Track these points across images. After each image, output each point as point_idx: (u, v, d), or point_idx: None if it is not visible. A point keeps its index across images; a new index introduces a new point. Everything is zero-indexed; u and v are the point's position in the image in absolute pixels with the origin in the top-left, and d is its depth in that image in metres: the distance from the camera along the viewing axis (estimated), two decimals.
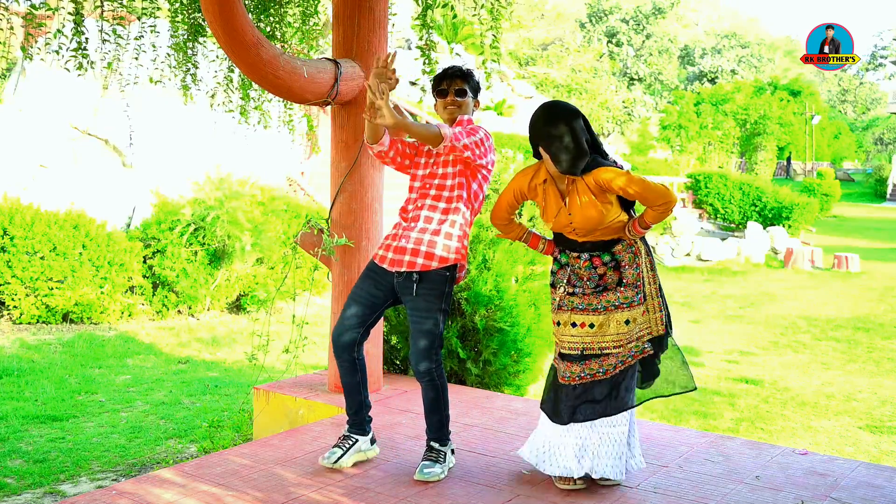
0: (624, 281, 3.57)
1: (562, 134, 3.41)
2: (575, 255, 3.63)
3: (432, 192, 3.70)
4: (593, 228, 3.54)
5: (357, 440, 3.85)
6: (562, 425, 3.58)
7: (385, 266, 3.73)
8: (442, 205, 3.69)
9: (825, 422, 6.69)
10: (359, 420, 3.87)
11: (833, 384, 7.89)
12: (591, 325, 3.56)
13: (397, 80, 3.50)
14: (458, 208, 3.68)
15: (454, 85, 3.76)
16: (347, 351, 3.77)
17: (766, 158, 35.22)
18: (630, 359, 3.57)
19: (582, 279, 3.60)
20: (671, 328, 3.65)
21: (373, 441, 3.95)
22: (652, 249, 3.74)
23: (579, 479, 3.57)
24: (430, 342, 3.67)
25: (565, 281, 3.62)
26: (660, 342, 3.61)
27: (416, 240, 3.67)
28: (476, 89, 3.82)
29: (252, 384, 5.96)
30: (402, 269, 3.67)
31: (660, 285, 3.64)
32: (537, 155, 3.59)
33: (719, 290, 14.01)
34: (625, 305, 3.55)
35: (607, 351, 3.55)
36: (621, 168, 3.55)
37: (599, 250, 3.59)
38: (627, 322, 3.55)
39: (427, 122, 3.64)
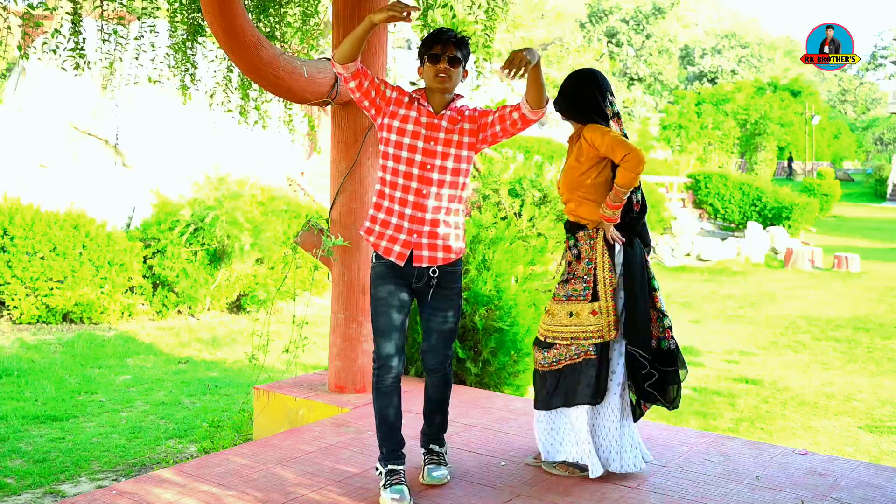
0: (575, 273, 3.63)
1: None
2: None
3: (435, 174, 3.31)
4: (567, 189, 3.63)
5: (403, 470, 3.48)
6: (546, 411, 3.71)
7: (393, 259, 3.33)
8: (447, 191, 3.33)
9: (825, 422, 6.69)
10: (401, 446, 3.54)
11: (833, 384, 7.88)
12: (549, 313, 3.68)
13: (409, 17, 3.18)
14: (463, 195, 3.40)
15: (448, 51, 3.30)
16: (400, 374, 3.41)
17: (766, 158, 35.22)
18: (575, 356, 3.58)
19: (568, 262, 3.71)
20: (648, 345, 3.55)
21: None
22: (653, 248, 3.74)
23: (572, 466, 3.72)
24: (450, 340, 3.50)
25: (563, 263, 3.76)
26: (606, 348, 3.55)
27: (431, 234, 3.32)
28: (467, 59, 3.41)
29: (252, 384, 5.96)
30: (424, 265, 3.33)
31: (633, 292, 3.53)
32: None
33: (719, 290, 14.01)
34: (573, 297, 3.60)
35: (557, 341, 3.63)
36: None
37: (569, 231, 3.68)
38: (571, 315, 3.58)
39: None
